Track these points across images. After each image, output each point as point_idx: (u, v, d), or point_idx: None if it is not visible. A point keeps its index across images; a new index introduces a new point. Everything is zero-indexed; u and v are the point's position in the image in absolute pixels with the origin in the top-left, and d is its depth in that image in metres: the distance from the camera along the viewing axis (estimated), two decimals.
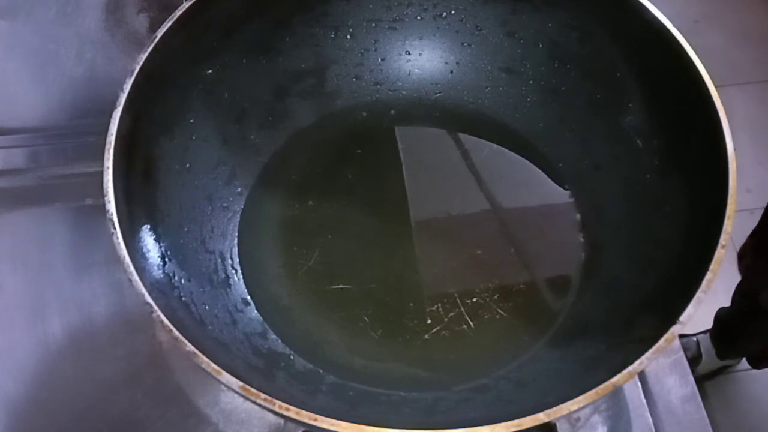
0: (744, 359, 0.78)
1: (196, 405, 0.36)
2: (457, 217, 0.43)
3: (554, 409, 0.25)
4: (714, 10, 1.21)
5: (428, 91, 0.45)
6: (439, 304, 0.38)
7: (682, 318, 0.28)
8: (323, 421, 0.25)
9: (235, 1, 0.38)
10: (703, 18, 1.19)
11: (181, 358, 0.35)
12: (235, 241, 0.40)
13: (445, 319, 0.38)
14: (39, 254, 0.41)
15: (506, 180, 0.43)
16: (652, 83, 0.37)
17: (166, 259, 0.33)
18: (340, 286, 0.39)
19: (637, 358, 0.27)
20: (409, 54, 0.45)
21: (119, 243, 0.29)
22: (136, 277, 0.28)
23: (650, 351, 0.27)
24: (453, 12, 0.43)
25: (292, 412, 0.25)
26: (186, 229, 0.37)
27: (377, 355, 0.37)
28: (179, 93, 0.37)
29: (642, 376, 0.38)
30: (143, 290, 0.28)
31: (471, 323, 0.38)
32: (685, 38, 0.34)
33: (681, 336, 0.33)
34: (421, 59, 0.45)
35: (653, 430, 0.36)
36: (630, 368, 0.27)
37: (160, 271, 0.33)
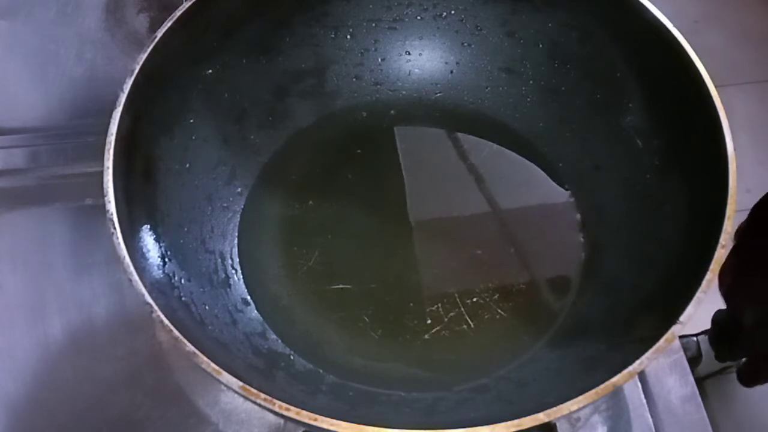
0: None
1: (196, 405, 0.36)
2: (457, 217, 0.43)
3: (554, 409, 0.25)
4: (714, 10, 1.21)
5: (428, 91, 0.45)
6: (439, 304, 0.38)
7: (682, 318, 0.28)
8: (323, 421, 0.25)
9: (235, 1, 0.38)
10: (703, 18, 1.19)
11: (181, 358, 0.35)
12: (235, 241, 0.40)
13: (445, 319, 0.38)
14: (39, 254, 0.41)
15: (506, 180, 0.43)
16: (652, 83, 0.37)
17: (166, 259, 0.33)
18: (340, 286, 0.39)
19: (637, 358, 0.27)
20: (409, 54, 0.45)
21: (119, 243, 0.29)
22: (136, 277, 0.28)
23: (650, 351, 0.27)
24: (453, 12, 0.43)
25: (292, 412, 0.25)
26: (186, 229, 0.37)
27: (377, 355, 0.37)
28: (179, 93, 0.37)
29: (642, 376, 0.38)
30: (143, 290, 0.28)
31: (471, 323, 0.38)
32: (685, 38, 0.34)
33: (681, 336, 0.33)
34: (421, 59, 0.45)
35: (653, 430, 0.36)
36: (630, 368, 0.27)
37: (160, 271, 0.33)
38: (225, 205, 0.40)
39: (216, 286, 0.37)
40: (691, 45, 0.34)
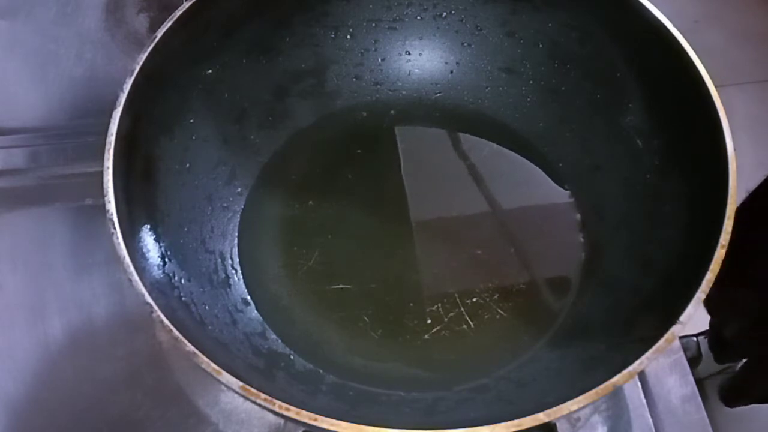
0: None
1: (196, 405, 0.36)
2: (457, 217, 0.43)
3: (554, 409, 0.25)
4: (714, 10, 1.21)
5: (428, 91, 0.45)
6: (439, 304, 0.38)
7: (682, 318, 0.28)
8: (323, 421, 0.25)
9: (235, 1, 0.38)
10: (703, 18, 1.19)
11: (181, 358, 0.35)
12: (235, 241, 0.40)
13: (445, 319, 0.38)
14: (39, 254, 0.41)
15: (506, 180, 0.43)
16: (652, 83, 0.37)
17: (166, 259, 0.33)
18: (340, 286, 0.39)
19: (637, 358, 0.27)
20: (409, 54, 0.45)
21: (119, 243, 0.29)
22: (136, 277, 0.28)
23: (650, 351, 0.27)
24: (453, 12, 0.43)
25: (292, 412, 0.25)
26: (186, 229, 0.37)
27: (377, 355, 0.37)
28: (179, 93, 0.37)
29: (642, 376, 0.38)
30: (143, 290, 0.28)
31: (471, 323, 0.38)
32: (685, 38, 0.34)
33: (681, 336, 0.33)
34: (421, 59, 0.45)
35: (653, 430, 0.36)
36: (630, 368, 0.27)
37: (160, 271, 0.33)
38: (225, 205, 0.40)
39: (216, 286, 0.37)
40: (691, 45, 0.34)
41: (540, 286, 0.40)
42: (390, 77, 0.45)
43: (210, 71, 0.39)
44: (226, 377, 0.26)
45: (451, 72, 0.45)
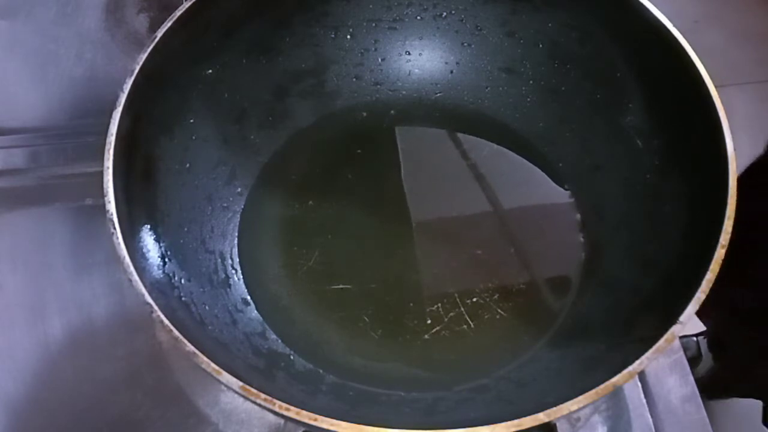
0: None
1: (196, 405, 0.36)
2: (457, 217, 0.43)
3: (554, 409, 0.25)
4: (714, 10, 1.21)
5: (428, 91, 0.45)
6: (439, 304, 0.38)
7: (682, 318, 0.28)
8: (323, 421, 0.25)
9: (235, 1, 0.38)
10: (703, 18, 1.19)
11: (181, 358, 0.35)
12: (235, 241, 0.40)
13: (445, 319, 0.38)
14: (39, 254, 0.41)
15: (506, 180, 0.43)
16: (652, 83, 0.37)
17: (166, 259, 0.33)
18: (340, 286, 0.39)
19: (637, 358, 0.27)
20: (409, 54, 0.45)
21: (119, 243, 0.29)
22: (136, 277, 0.28)
23: (650, 351, 0.27)
24: (453, 12, 0.43)
25: (292, 412, 0.25)
26: (186, 229, 0.37)
27: (377, 355, 0.37)
28: (179, 93, 0.37)
29: (642, 376, 0.38)
30: (143, 290, 0.28)
31: (471, 323, 0.38)
32: (685, 38, 0.34)
33: (681, 336, 0.33)
34: (421, 59, 0.45)
35: (653, 430, 0.36)
36: (630, 368, 0.27)
37: (160, 271, 0.33)
38: (225, 205, 0.40)
39: (216, 286, 0.37)
40: (691, 45, 0.34)
41: (540, 286, 0.40)
42: (390, 77, 0.45)
43: (210, 71, 0.39)
44: (226, 377, 0.26)
45: (451, 72, 0.45)
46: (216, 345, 0.32)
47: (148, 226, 0.33)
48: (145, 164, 0.34)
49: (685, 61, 0.34)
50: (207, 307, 0.34)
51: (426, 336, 0.37)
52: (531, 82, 0.43)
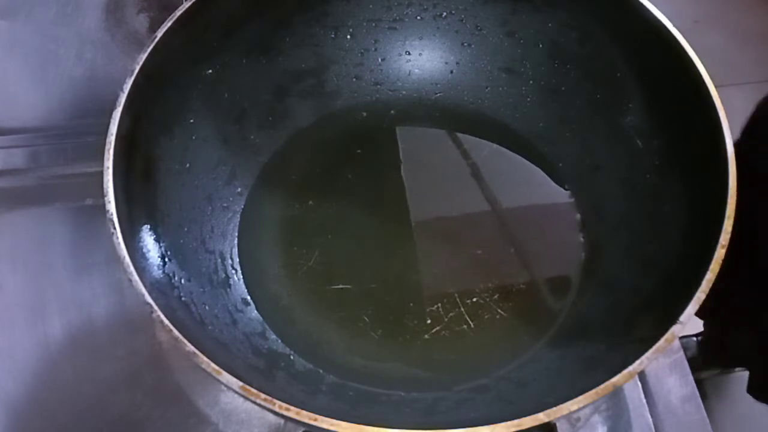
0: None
1: (196, 405, 0.36)
2: (457, 217, 0.43)
3: (554, 409, 0.25)
4: (714, 10, 1.21)
5: (428, 91, 0.45)
6: (439, 304, 0.38)
7: (682, 318, 0.28)
8: (323, 421, 0.25)
9: (235, 1, 0.38)
10: (703, 18, 1.19)
11: (181, 358, 0.35)
12: (235, 241, 0.40)
13: (445, 319, 0.38)
14: (39, 254, 0.41)
15: (506, 180, 0.43)
16: (652, 83, 0.37)
17: (166, 259, 0.33)
18: (340, 286, 0.39)
19: (637, 358, 0.27)
20: (409, 54, 0.45)
21: (119, 243, 0.29)
22: (136, 277, 0.28)
23: (650, 351, 0.27)
24: (453, 12, 0.43)
25: (292, 412, 0.25)
26: (186, 229, 0.37)
27: (377, 355, 0.37)
28: (179, 93, 0.37)
29: (642, 376, 0.38)
30: (143, 290, 0.28)
31: (471, 323, 0.38)
32: (685, 38, 0.34)
33: (681, 336, 0.33)
34: (421, 59, 0.45)
35: (653, 430, 0.36)
36: (630, 368, 0.27)
37: (160, 271, 0.33)
38: (225, 205, 0.40)
39: (216, 286, 0.37)
40: (691, 45, 0.34)
41: (540, 286, 0.40)
42: (390, 77, 0.45)
43: (210, 71, 0.39)
44: (226, 377, 0.26)
45: (451, 72, 0.45)
46: (216, 345, 0.32)
47: (148, 226, 0.33)
48: (145, 164, 0.34)
49: (685, 61, 0.34)
50: (207, 307, 0.34)
51: (426, 336, 0.37)
52: (531, 82, 0.43)
